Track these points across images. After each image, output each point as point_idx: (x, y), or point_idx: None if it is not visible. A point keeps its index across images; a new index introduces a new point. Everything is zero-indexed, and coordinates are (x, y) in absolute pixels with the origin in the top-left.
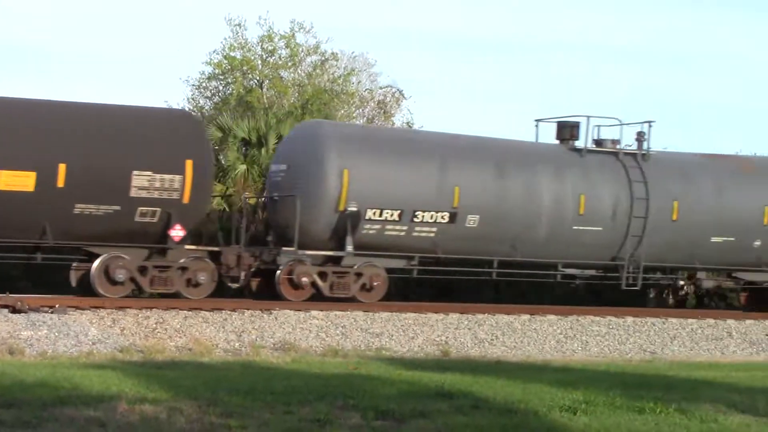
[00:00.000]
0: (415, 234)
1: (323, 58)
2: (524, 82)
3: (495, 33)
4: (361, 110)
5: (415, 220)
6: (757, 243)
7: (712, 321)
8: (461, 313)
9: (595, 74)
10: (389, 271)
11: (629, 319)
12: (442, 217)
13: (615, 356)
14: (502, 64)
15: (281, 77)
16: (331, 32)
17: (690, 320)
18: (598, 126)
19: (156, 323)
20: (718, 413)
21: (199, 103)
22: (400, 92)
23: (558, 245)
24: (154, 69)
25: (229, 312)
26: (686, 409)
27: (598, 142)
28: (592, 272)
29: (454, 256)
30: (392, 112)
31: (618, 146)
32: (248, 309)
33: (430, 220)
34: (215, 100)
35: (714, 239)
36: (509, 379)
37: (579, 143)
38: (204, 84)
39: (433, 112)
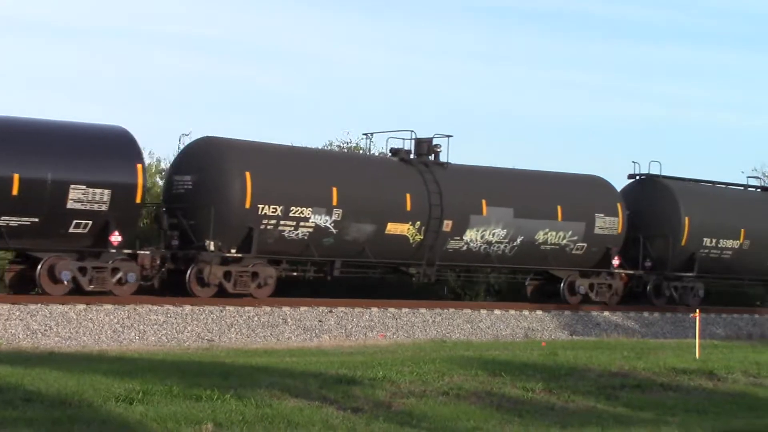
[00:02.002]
0: None
1: None
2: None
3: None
4: None
5: None
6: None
7: (268, 308)
8: (12, 304)
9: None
10: None
11: (187, 308)
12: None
13: (173, 345)
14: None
15: None
16: None
17: (247, 308)
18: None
19: None
20: (273, 398)
21: None
22: None
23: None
24: None
25: None
26: (243, 395)
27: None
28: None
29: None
30: None
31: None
32: None
33: None
34: None
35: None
36: (63, 371)
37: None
38: None
39: None
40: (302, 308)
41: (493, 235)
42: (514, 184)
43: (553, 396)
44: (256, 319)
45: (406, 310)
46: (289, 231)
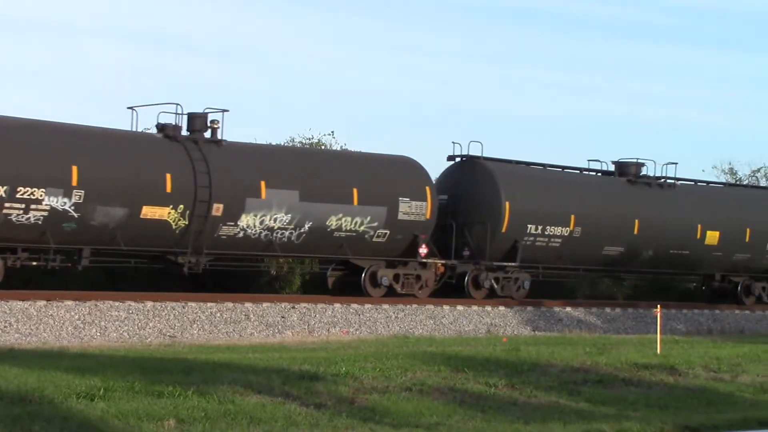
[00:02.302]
0: None
1: None
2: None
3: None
4: None
5: None
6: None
7: (230, 304)
8: None
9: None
10: None
11: (149, 304)
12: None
13: (134, 341)
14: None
15: None
16: None
17: (209, 304)
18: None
19: None
20: (236, 394)
21: None
22: None
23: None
24: None
25: None
26: (205, 391)
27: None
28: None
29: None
30: None
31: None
32: None
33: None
34: None
35: None
36: (24, 368)
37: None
38: None
39: None
40: (265, 304)
41: (275, 220)
42: (300, 164)
43: (516, 391)
44: (218, 315)
45: (369, 306)
46: (18, 215)
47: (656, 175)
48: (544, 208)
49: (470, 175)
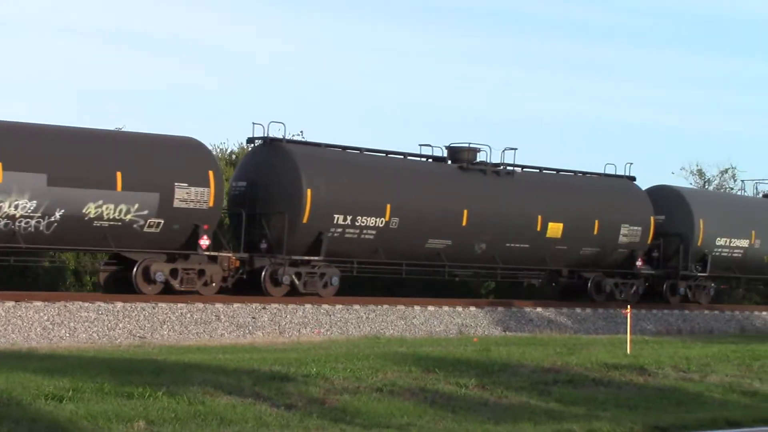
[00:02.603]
0: None
1: None
2: None
3: None
4: None
5: None
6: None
7: (201, 305)
8: None
9: None
10: None
11: (119, 305)
12: None
13: (104, 342)
14: None
15: None
16: None
17: (180, 304)
18: None
19: None
20: (206, 395)
21: None
22: None
23: None
24: None
25: None
26: (175, 392)
27: None
28: None
29: None
30: None
31: None
32: None
33: None
34: None
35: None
36: None
37: None
38: None
39: None
40: (235, 305)
41: (17, 207)
42: (48, 145)
43: (487, 392)
44: (188, 315)
45: (340, 306)
46: None
47: (493, 161)
48: (354, 197)
49: (270, 160)
